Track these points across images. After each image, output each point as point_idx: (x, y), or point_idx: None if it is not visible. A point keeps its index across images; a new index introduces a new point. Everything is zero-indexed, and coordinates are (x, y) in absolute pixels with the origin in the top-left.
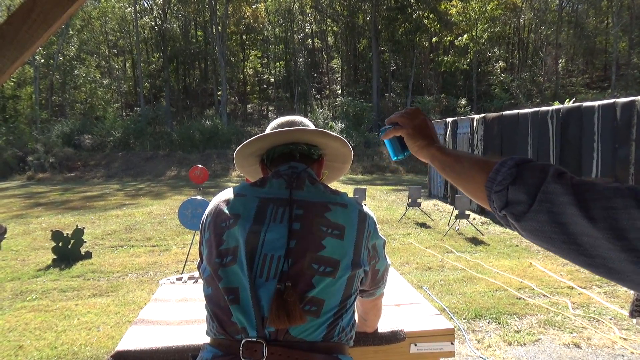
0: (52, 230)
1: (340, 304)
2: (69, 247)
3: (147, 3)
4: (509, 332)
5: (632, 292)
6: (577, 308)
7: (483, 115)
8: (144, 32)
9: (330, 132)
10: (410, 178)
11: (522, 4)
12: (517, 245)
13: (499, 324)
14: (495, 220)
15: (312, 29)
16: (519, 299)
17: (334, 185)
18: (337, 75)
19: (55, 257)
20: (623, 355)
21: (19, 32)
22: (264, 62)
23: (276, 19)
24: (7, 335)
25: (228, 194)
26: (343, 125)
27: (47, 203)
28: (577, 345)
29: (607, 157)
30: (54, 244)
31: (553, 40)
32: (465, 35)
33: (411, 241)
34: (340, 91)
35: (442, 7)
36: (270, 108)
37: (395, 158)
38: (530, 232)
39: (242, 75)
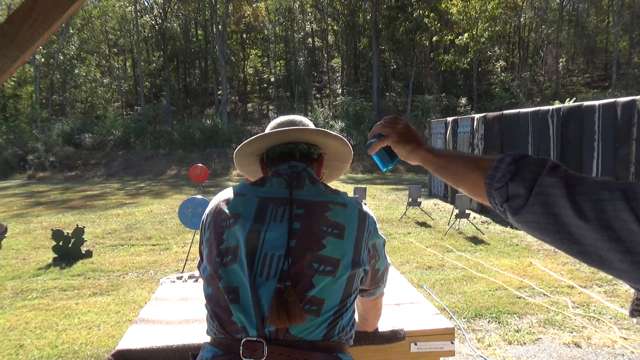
0: (52, 229)
1: (340, 303)
2: (70, 246)
3: (147, 2)
4: (509, 331)
5: (632, 291)
6: (577, 307)
7: (483, 114)
8: (145, 31)
9: (330, 132)
10: (411, 177)
11: (523, 3)
12: (517, 245)
13: (499, 323)
14: (496, 219)
15: (312, 28)
16: (519, 298)
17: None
18: (337, 74)
19: (56, 256)
20: (623, 355)
21: (19, 31)
22: (264, 61)
23: (276, 17)
24: (8, 334)
25: (228, 193)
26: (343, 125)
27: (48, 202)
28: (577, 345)
29: (607, 156)
30: (54, 243)
31: (554, 39)
32: (466, 34)
33: (411, 240)
34: (340, 90)
35: (443, 6)
36: (271, 107)
37: (385, 169)
38: (526, 224)
39: (242, 74)
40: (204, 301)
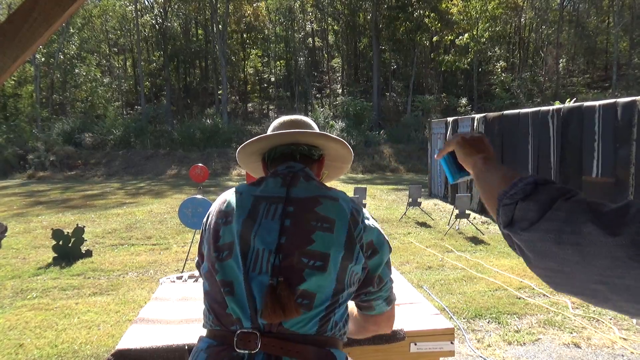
0: (52, 229)
1: (332, 298)
2: (70, 245)
3: (147, 1)
4: (509, 331)
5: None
6: (577, 308)
7: (484, 114)
8: (145, 31)
9: (331, 135)
10: (411, 177)
11: (523, 3)
12: None
13: (498, 323)
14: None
15: (312, 28)
16: (519, 298)
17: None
18: (337, 74)
19: (56, 255)
20: (623, 355)
21: (20, 30)
22: (265, 61)
23: (277, 17)
24: (8, 334)
25: (227, 194)
26: (343, 125)
27: (48, 201)
28: (577, 345)
29: (607, 156)
30: (54, 243)
31: (554, 39)
32: (466, 35)
33: (411, 240)
34: (340, 90)
35: (443, 6)
36: (271, 107)
37: (452, 180)
38: (527, 244)
39: (242, 74)
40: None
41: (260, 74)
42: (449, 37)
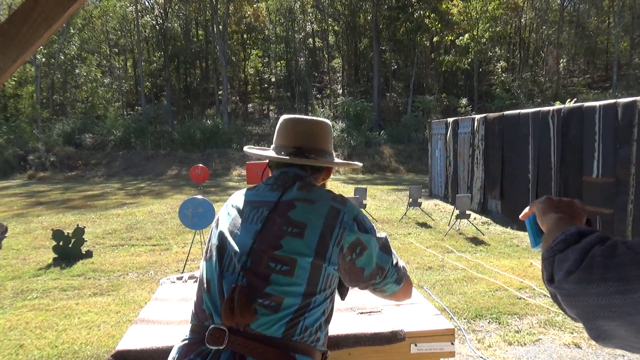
0: (52, 229)
1: (301, 302)
2: (70, 246)
3: (148, 2)
4: (510, 332)
5: None
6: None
7: (484, 115)
8: (145, 31)
9: (338, 161)
10: (411, 178)
11: (524, 3)
12: (517, 246)
13: (499, 323)
14: (497, 220)
15: (313, 28)
16: (520, 298)
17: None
18: (338, 74)
19: (56, 256)
20: (623, 355)
21: (20, 31)
22: (265, 61)
23: (277, 18)
24: (8, 334)
25: (233, 197)
26: (344, 125)
27: (48, 202)
28: (578, 345)
29: (608, 157)
30: (54, 243)
31: (554, 40)
32: (467, 35)
33: (412, 241)
34: (341, 91)
35: (444, 6)
36: (271, 107)
37: (534, 245)
38: (573, 302)
39: (243, 74)
40: None
41: (260, 75)
42: (450, 38)
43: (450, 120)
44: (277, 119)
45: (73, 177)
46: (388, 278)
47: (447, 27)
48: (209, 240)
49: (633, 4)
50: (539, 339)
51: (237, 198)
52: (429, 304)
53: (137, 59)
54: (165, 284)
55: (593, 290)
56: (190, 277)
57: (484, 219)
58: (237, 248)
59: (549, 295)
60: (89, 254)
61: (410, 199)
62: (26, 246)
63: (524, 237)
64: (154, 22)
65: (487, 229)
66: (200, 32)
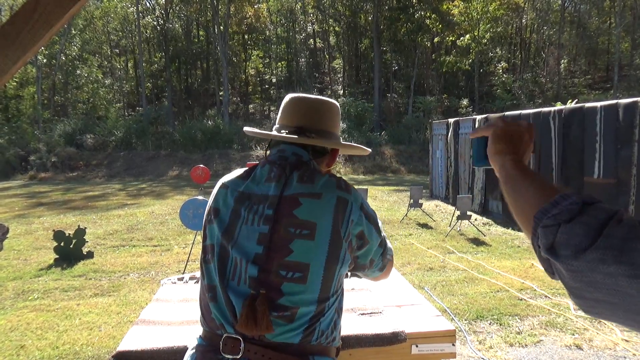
0: (54, 230)
1: (316, 309)
2: (71, 246)
3: (149, 3)
4: (511, 333)
5: None
6: (578, 309)
7: (485, 115)
8: (146, 32)
9: (344, 143)
10: (412, 178)
11: (525, 4)
12: (519, 246)
13: (500, 325)
14: (498, 221)
15: (314, 29)
16: (521, 300)
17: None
18: (338, 75)
19: (57, 256)
20: (625, 357)
21: (21, 32)
22: (266, 62)
23: (278, 19)
24: (9, 335)
25: (222, 180)
26: (345, 126)
27: (49, 203)
28: (579, 347)
29: (609, 158)
30: (55, 244)
31: (555, 40)
32: (468, 36)
33: (413, 242)
34: (342, 91)
35: (444, 7)
36: (272, 108)
37: (476, 165)
38: (576, 274)
39: (244, 75)
40: None
41: (261, 75)
42: (450, 38)
43: (451, 120)
44: (292, 96)
45: (74, 177)
46: (374, 267)
47: (448, 27)
48: (205, 238)
49: (634, 5)
50: (540, 340)
51: (232, 186)
52: (430, 305)
53: (138, 59)
54: (166, 285)
55: (603, 270)
56: (191, 278)
57: (485, 219)
58: (240, 255)
59: (540, 262)
60: (90, 255)
61: (411, 200)
62: (27, 247)
63: (525, 237)
64: (155, 23)
65: (488, 229)
66: (201, 32)
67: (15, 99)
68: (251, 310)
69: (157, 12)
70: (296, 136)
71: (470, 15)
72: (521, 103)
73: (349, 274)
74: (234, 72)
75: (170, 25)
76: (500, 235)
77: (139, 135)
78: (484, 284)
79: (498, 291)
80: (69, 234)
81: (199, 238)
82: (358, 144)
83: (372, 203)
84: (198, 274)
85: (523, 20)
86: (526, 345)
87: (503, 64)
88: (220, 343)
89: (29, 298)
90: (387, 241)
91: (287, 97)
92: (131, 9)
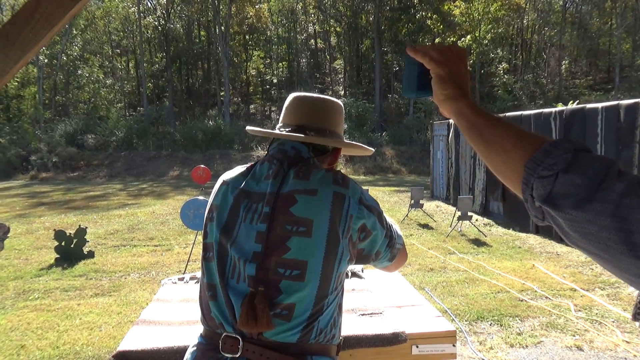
0: (54, 230)
1: (314, 307)
2: (72, 246)
3: (150, 3)
4: (511, 334)
5: (635, 294)
6: (579, 310)
7: None
8: (148, 32)
9: (347, 142)
10: (413, 179)
11: (526, 5)
12: (519, 247)
13: (501, 325)
14: (498, 221)
15: (315, 30)
16: (521, 300)
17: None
18: (339, 75)
19: (58, 256)
20: (626, 358)
21: (22, 32)
22: (267, 62)
23: (279, 19)
24: (10, 335)
25: (219, 182)
26: (346, 126)
27: (50, 202)
28: (580, 348)
29: None
30: (56, 244)
31: (556, 41)
32: (469, 36)
33: (413, 242)
34: (342, 92)
35: (446, 7)
36: (273, 108)
37: (408, 93)
38: (572, 225)
39: (245, 75)
40: None
41: (262, 76)
42: (452, 39)
43: (452, 121)
44: (296, 95)
45: (75, 177)
46: (382, 258)
47: (449, 28)
48: (205, 236)
49: (635, 6)
50: (541, 341)
51: (233, 183)
52: (430, 306)
53: (140, 59)
54: (166, 285)
55: (599, 222)
56: (192, 278)
57: (486, 220)
58: (239, 254)
59: (529, 210)
60: (90, 255)
61: (412, 201)
62: (28, 246)
63: (526, 238)
64: (156, 23)
65: (489, 230)
66: (202, 33)
67: (17, 98)
68: (251, 308)
69: (159, 12)
70: (296, 134)
71: (471, 16)
72: (522, 104)
73: (350, 273)
74: (235, 73)
75: (172, 26)
76: (501, 236)
77: (140, 136)
78: (485, 284)
79: (499, 292)
80: (70, 233)
81: (200, 238)
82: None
83: None
84: (198, 274)
85: (524, 21)
86: (527, 346)
87: (504, 64)
88: (220, 342)
89: (30, 298)
90: (395, 229)
91: (290, 96)
92: (132, 9)
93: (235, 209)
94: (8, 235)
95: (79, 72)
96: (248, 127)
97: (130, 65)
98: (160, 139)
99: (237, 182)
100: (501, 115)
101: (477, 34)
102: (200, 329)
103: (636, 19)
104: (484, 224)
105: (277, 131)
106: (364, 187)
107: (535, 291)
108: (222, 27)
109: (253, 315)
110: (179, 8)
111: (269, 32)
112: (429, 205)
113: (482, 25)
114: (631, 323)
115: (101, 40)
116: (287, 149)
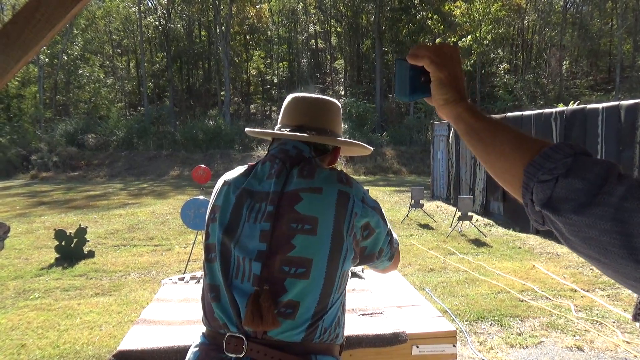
0: (55, 229)
1: (319, 305)
2: (72, 246)
3: (151, 3)
4: (512, 334)
5: (635, 295)
6: (580, 311)
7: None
8: (148, 32)
9: (347, 140)
10: (413, 179)
11: (527, 5)
12: (520, 248)
13: (501, 326)
14: (499, 222)
15: (315, 30)
16: (522, 301)
17: None
18: (340, 76)
19: (58, 256)
20: (626, 359)
21: (23, 31)
22: (268, 62)
23: (280, 19)
24: (10, 334)
25: (219, 182)
26: (346, 126)
27: (51, 202)
28: (580, 348)
29: (610, 159)
30: (56, 243)
31: (557, 41)
32: (469, 37)
33: (414, 242)
34: (343, 92)
35: (446, 8)
36: (274, 108)
37: (401, 97)
38: (573, 228)
39: (245, 75)
40: None
41: (263, 76)
42: (452, 39)
43: None
44: (295, 95)
45: (75, 177)
46: (383, 257)
47: (450, 28)
48: (207, 236)
49: (636, 6)
50: (541, 342)
51: (234, 183)
52: (430, 306)
53: (140, 59)
54: (167, 285)
55: (600, 227)
56: (192, 278)
57: (486, 220)
58: (243, 253)
59: (529, 215)
60: (91, 254)
61: (412, 201)
62: (28, 246)
63: (526, 239)
64: (156, 23)
65: (489, 230)
66: (203, 33)
67: (17, 98)
68: (256, 306)
69: (159, 12)
70: (298, 133)
71: (472, 16)
72: (523, 104)
73: (350, 273)
74: (235, 72)
75: (172, 25)
76: (501, 237)
77: (140, 135)
78: (485, 285)
79: (499, 292)
80: (70, 233)
81: (200, 238)
82: None
83: None
84: (198, 273)
85: (525, 22)
86: (527, 346)
87: (505, 65)
88: (224, 342)
89: (30, 297)
90: (392, 231)
91: (289, 97)
92: (133, 8)
93: (237, 208)
94: (8, 234)
95: (80, 71)
96: (247, 129)
97: (130, 65)
98: (160, 138)
99: (239, 182)
100: (501, 115)
101: (477, 35)
102: (201, 328)
103: (637, 19)
104: (484, 224)
105: (276, 131)
106: (364, 188)
107: (536, 291)
108: (223, 27)
109: (259, 314)
110: (179, 8)
111: (269, 32)
112: (430, 206)
113: (482, 26)
114: (631, 323)
115: (102, 39)
116: (288, 148)
